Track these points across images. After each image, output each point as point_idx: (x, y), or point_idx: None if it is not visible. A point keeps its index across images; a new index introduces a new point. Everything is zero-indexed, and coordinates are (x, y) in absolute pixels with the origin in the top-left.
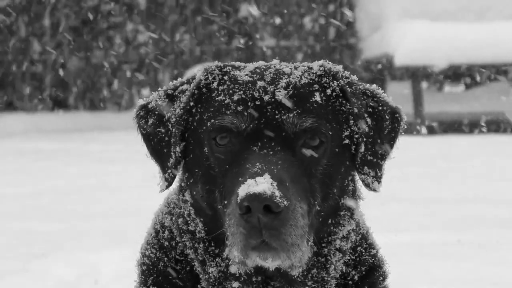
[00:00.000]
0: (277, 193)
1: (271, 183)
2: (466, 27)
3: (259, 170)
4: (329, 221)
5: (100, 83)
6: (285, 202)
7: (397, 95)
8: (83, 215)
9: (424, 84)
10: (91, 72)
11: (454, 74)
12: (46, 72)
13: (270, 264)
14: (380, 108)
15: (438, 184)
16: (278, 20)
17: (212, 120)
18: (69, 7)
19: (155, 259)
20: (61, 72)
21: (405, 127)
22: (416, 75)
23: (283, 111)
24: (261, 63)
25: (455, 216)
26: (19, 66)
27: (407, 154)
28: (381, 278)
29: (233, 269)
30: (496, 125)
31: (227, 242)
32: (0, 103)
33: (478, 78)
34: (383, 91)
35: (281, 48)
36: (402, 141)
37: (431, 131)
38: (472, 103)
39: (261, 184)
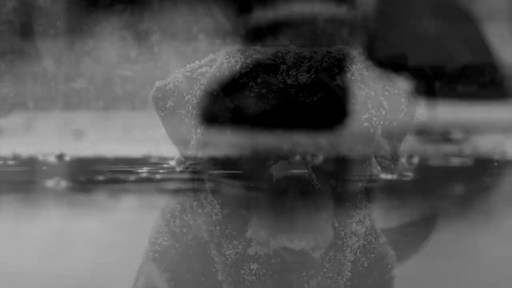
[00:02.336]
0: (313, 175)
1: (306, 165)
2: None
3: (287, 152)
4: (347, 204)
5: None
6: (319, 184)
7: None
8: None
9: None
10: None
11: None
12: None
13: (296, 245)
14: (396, 91)
15: None
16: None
17: (235, 103)
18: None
19: (167, 246)
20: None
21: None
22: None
23: (306, 94)
24: (279, 47)
25: None
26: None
27: None
28: (389, 266)
29: (251, 251)
30: None
31: (251, 222)
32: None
33: None
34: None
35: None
36: None
37: None
38: None
39: (297, 166)
